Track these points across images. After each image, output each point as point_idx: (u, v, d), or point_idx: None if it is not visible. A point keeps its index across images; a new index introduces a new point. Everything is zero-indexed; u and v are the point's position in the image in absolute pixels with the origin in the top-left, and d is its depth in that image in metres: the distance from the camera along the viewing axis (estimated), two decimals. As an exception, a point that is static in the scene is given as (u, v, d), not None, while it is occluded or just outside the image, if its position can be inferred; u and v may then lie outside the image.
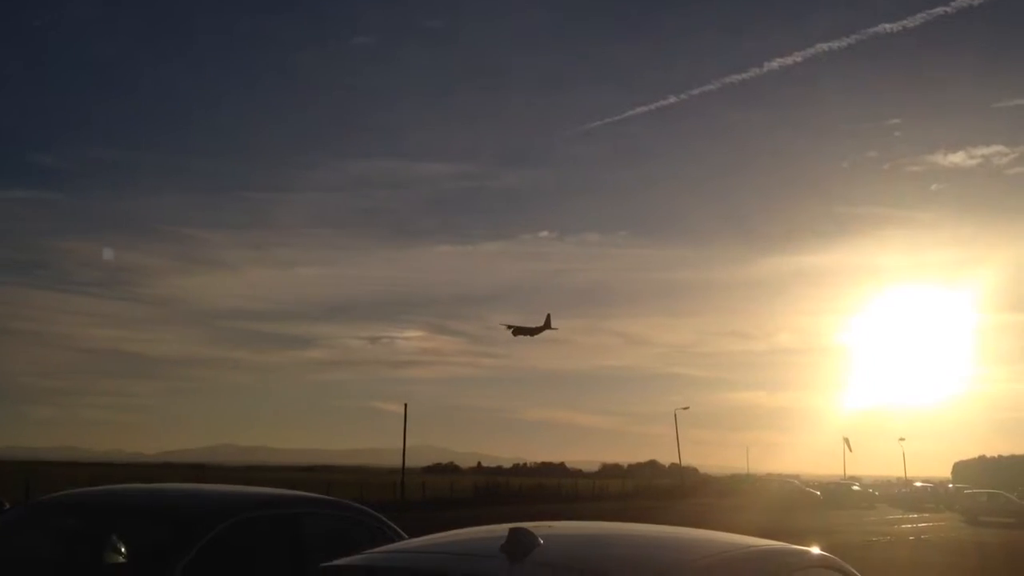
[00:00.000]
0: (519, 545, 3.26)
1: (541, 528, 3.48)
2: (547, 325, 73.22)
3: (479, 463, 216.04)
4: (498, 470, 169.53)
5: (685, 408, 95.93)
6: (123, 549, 5.92)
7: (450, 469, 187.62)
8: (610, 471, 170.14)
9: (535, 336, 73.10)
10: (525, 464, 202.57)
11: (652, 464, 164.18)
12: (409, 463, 55.68)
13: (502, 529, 3.44)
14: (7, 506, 7.74)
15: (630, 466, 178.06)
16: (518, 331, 73.76)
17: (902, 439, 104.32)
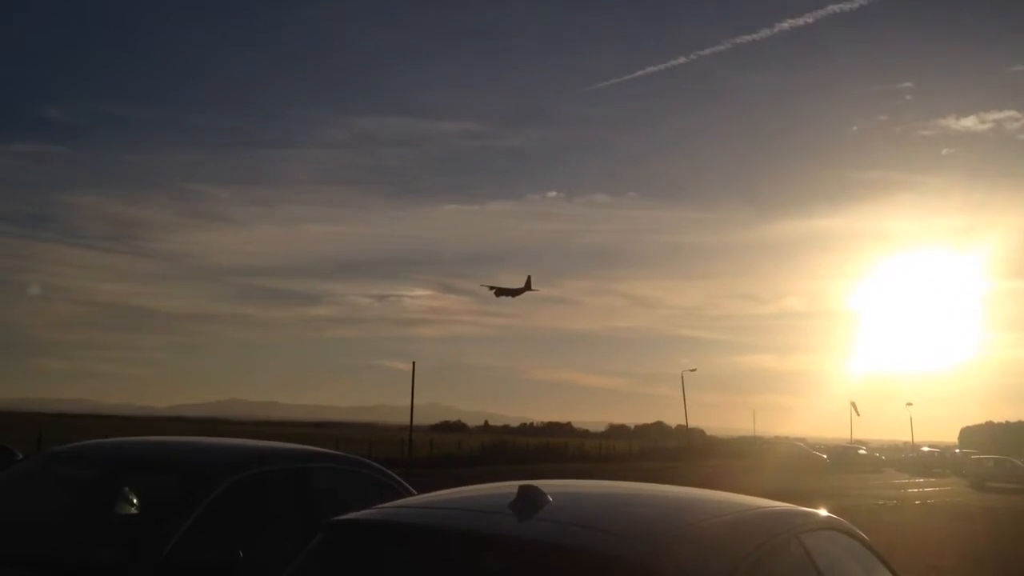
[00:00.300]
0: (529, 502, 3.28)
1: (550, 486, 3.50)
2: (527, 287, 73.90)
3: (486, 422, 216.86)
4: (505, 429, 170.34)
5: (692, 370, 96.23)
6: (134, 501, 5.99)
7: (457, 427, 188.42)
8: (617, 432, 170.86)
9: (516, 297, 73.87)
10: (532, 424, 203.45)
11: (659, 425, 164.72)
12: (416, 421, 56.00)
13: (512, 486, 3.46)
14: (20, 456, 7.80)
15: (637, 427, 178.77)
16: (500, 292, 74.25)
17: (909, 404, 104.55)
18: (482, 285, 79.85)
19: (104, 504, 5.90)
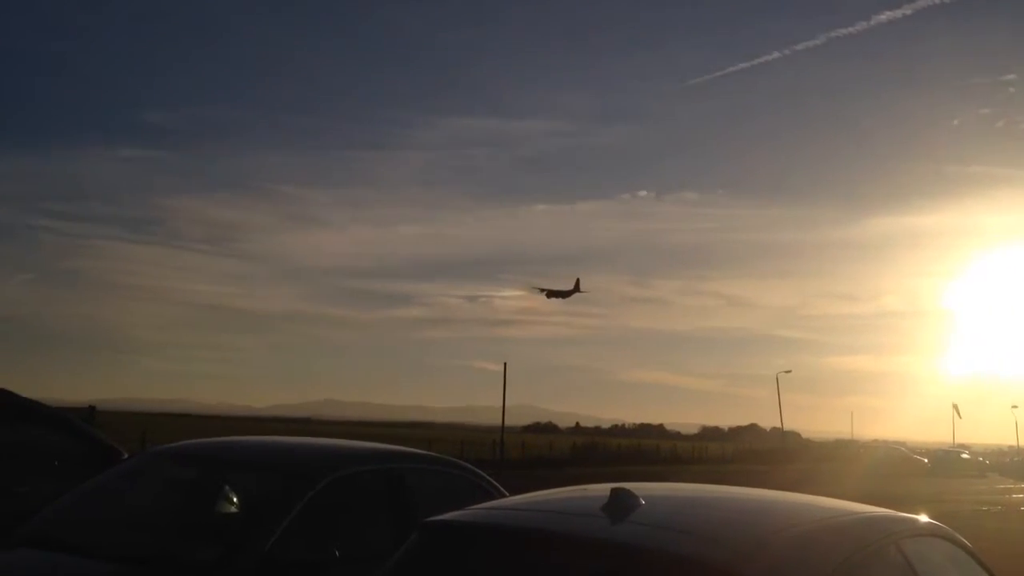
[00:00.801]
0: (621, 505, 3.27)
1: (642, 489, 3.49)
2: (576, 288, 75.37)
3: (577, 423, 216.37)
4: (596, 430, 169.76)
5: (788, 371, 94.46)
6: (235, 499, 6.14)
7: (548, 428, 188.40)
8: (710, 434, 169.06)
9: (567, 299, 75.68)
10: (623, 425, 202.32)
11: (753, 428, 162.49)
12: (508, 422, 56.14)
13: (604, 489, 3.46)
14: (125, 455, 8.06)
15: (730, 429, 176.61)
16: (551, 293, 75.83)
17: (1015, 406, 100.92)
18: (532, 288, 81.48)
19: (206, 502, 6.07)
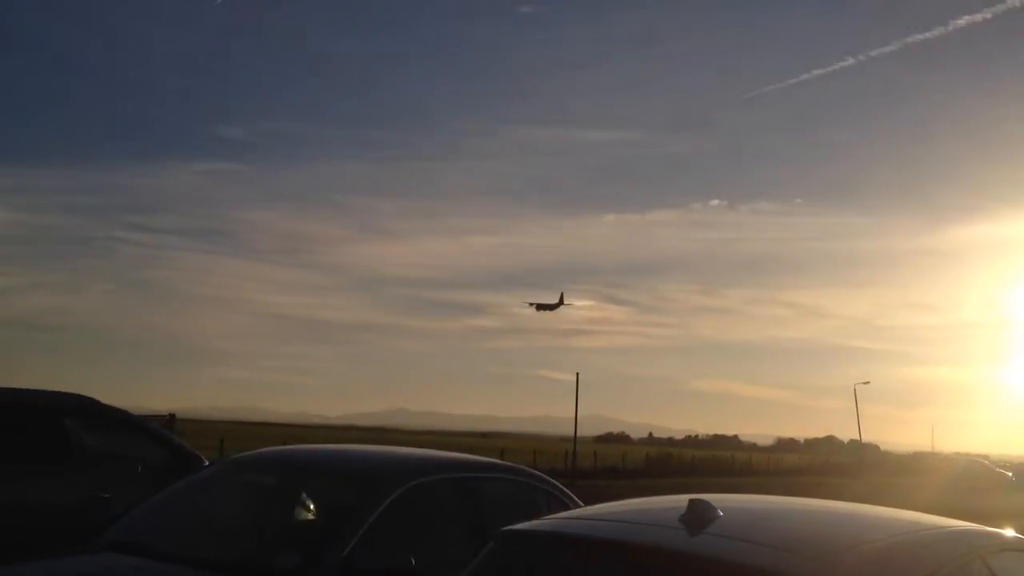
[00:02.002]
0: (699, 516, 3.24)
1: (720, 500, 3.45)
2: (561, 301, 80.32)
3: (650, 434, 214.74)
4: (669, 441, 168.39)
5: (866, 382, 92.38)
6: (312, 507, 6.22)
7: (621, 439, 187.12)
8: (785, 445, 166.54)
9: (555, 311, 79.73)
10: (697, 436, 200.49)
11: (830, 439, 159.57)
12: (580, 432, 55.85)
13: (681, 500, 3.43)
14: (206, 462, 8.22)
15: (806, 441, 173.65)
16: (540, 307, 80.00)
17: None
18: (523, 302, 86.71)
19: (284, 509, 6.15)
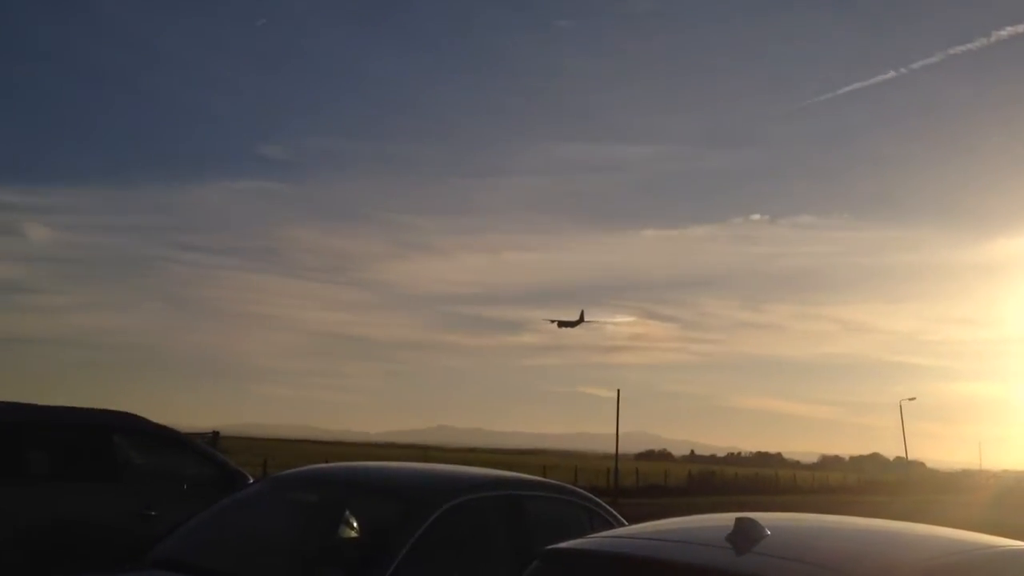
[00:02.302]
0: (746, 535, 3.21)
1: (767, 519, 3.42)
2: (581, 318, 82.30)
3: (692, 451, 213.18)
4: (711, 459, 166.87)
5: (911, 399, 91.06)
6: (355, 524, 6.24)
7: (662, 456, 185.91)
8: (830, 463, 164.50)
9: (575, 327, 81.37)
10: (739, 453, 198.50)
11: (875, 457, 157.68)
12: (621, 449, 55.56)
13: (726, 518, 3.40)
14: (250, 479, 8.28)
15: (851, 458, 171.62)
16: (561, 324, 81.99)
17: None
18: (543, 320, 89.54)
19: (328, 527, 6.17)
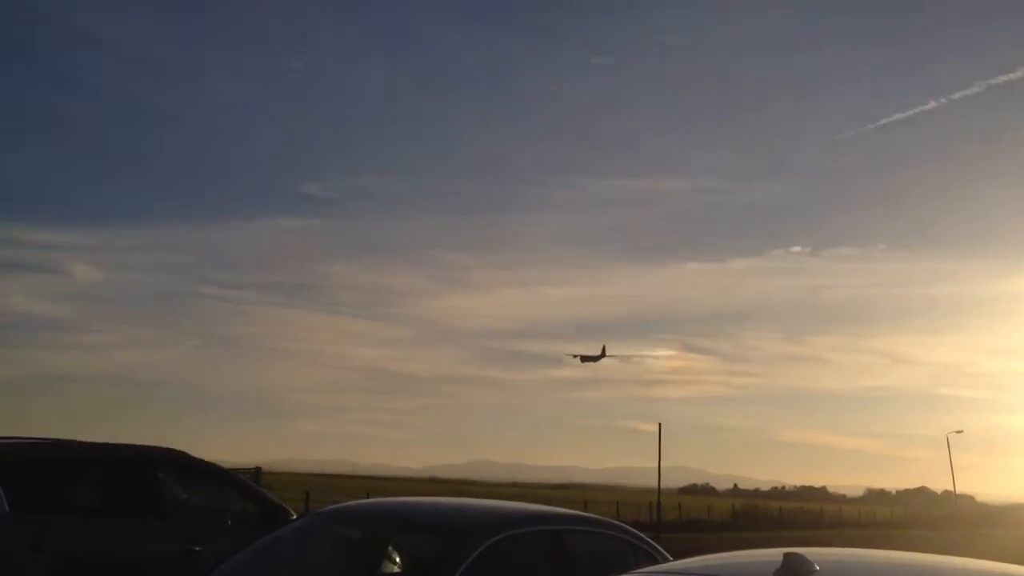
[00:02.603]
0: (795, 571, 3.15)
1: (815, 554, 3.36)
2: (603, 354, 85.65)
3: (735, 485, 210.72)
4: (755, 493, 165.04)
5: (959, 431, 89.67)
6: (398, 559, 6.24)
7: (705, 491, 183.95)
8: (876, 497, 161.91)
9: (598, 361, 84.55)
10: (784, 487, 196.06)
11: (922, 491, 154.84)
12: (663, 483, 55.10)
13: (774, 554, 3.34)
14: (293, 515, 8.31)
15: (898, 492, 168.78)
16: (584, 358, 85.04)
17: None
18: (566, 355, 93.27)
19: (372, 562, 6.18)
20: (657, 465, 55.70)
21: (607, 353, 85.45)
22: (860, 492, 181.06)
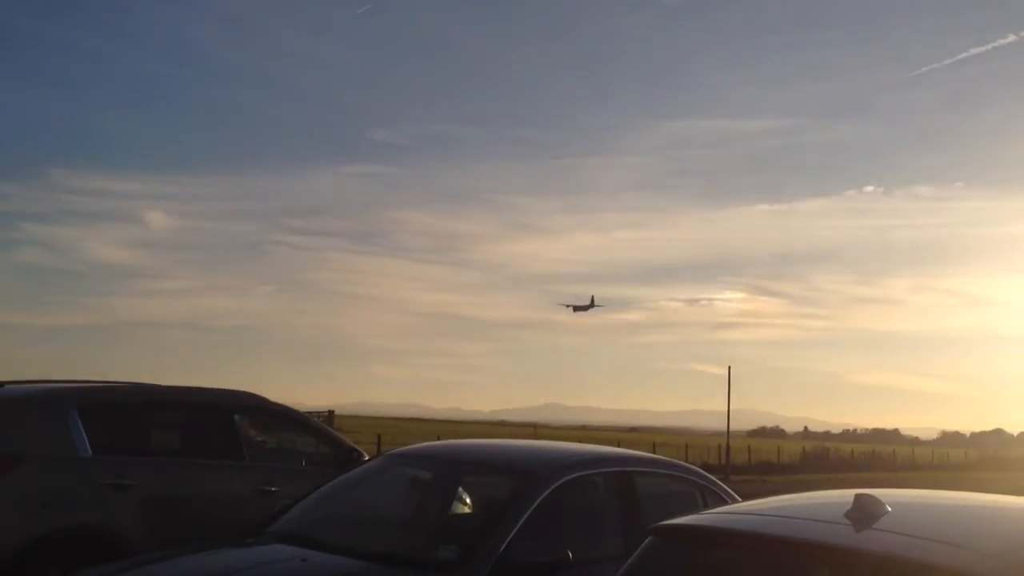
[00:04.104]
0: (866, 511, 3.13)
1: (887, 495, 3.33)
2: (592, 303, 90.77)
3: (805, 428, 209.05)
4: (826, 435, 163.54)
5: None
6: (468, 500, 6.33)
7: (775, 433, 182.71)
8: (950, 439, 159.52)
9: (588, 311, 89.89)
10: (855, 430, 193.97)
11: (998, 432, 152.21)
12: (732, 426, 54.96)
13: (845, 495, 3.32)
14: (365, 457, 8.44)
15: (973, 434, 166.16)
16: (576, 308, 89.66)
17: None
18: (559, 304, 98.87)
19: (443, 503, 6.28)
20: (726, 408, 55.59)
21: (595, 303, 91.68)
22: (934, 434, 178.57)
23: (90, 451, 7.27)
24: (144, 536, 7.09)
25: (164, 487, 7.57)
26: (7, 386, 7.76)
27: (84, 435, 7.29)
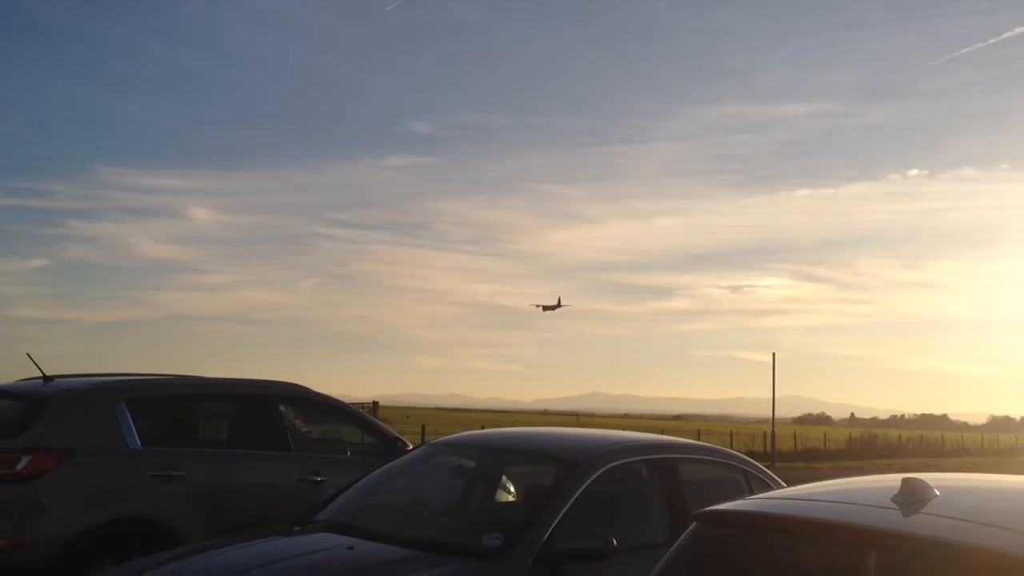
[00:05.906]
0: (914, 496, 3.10)
1: (935, 479, 3.29)
2: (559, 303, 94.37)
3: (852, 414, 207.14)
4: (873, 421, 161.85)
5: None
6: (513, 488, 6.35)
7: (821, 420, 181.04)
8: (1000, 424, 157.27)
9: (556, 310, 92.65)
10: (903, 415, 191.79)
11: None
12: (778, 413, 54.58)
13: (892, 479, 3.29)
14: (410, 446, 8.50)
15: (1023, 419, 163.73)
16: (546, 308, 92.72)
17: None
18: (531, 304, 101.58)
19: (487, 491, 6.30)
20: (771, 395, 55.20)
21: (561, 303, 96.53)
22: (983, 419, 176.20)
23: (139, 443, 7.39)
24: (192, 527, 7.20)
25: (211, 478, 7.67)
26: (57, 380, 7.90)
27: (133, 427, 7.41)
